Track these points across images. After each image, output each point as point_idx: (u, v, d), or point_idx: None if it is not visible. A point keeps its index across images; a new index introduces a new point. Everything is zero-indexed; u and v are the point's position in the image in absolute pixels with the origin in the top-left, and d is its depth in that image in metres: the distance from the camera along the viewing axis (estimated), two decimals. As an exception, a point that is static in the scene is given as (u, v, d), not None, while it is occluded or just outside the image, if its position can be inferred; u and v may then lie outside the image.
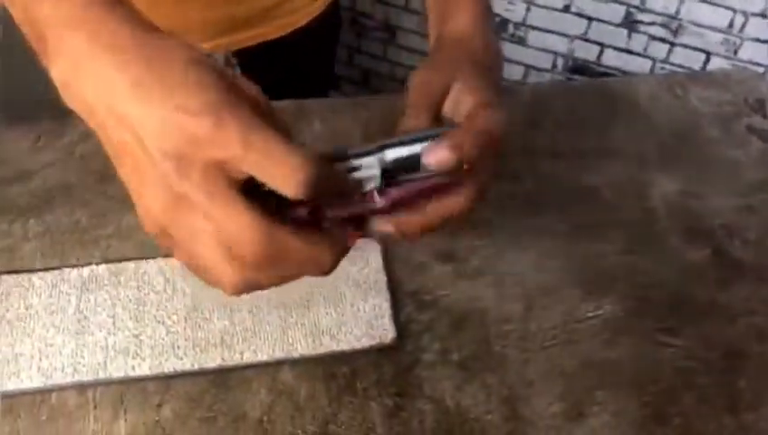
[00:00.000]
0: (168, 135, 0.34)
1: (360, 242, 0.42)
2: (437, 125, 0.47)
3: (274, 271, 0.38)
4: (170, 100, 0.34)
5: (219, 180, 0.34)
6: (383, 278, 0.59)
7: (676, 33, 1.42)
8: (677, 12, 1.37)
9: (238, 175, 0.35)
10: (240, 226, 0.35)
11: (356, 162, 0.41)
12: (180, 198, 0.35)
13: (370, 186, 0.41)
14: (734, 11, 1.36)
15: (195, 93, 0.34)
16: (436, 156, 0.40)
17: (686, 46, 1.43)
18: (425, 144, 0.41)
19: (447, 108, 0.47)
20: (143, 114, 0.35)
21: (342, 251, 0.40)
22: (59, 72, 0.38)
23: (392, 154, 0.41)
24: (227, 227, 0.35)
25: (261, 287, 0.39)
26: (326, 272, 0.39)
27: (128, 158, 0.36)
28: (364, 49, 1.69)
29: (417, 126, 0.46)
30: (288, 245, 0.36)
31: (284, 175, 0.34)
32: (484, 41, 0.53)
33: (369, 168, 0.41)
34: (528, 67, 1.58)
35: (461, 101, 0.46)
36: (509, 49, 1.56)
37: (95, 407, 0.52)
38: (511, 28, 1.52)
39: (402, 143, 0.41)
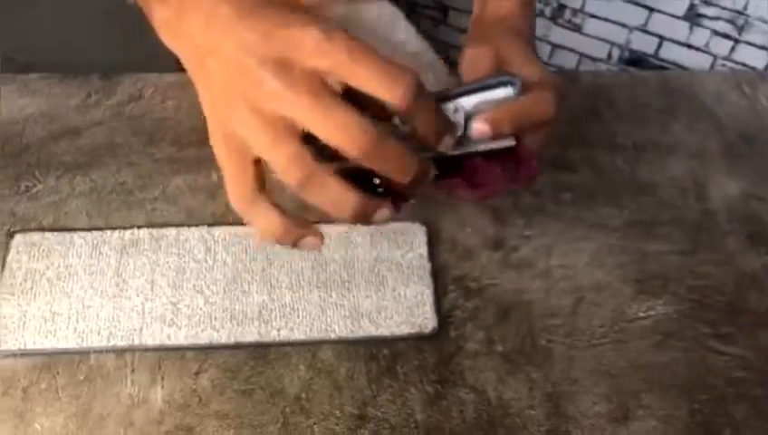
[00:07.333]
0: (272, 44, 0.36)
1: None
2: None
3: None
4: (275, 17, 0.36)
5: (322, 86, 0.36)
6: (427, 265, 0.58)
7: (741, 29, 1.36)
8: (745, 7, 1.32)
9: (336, 86, 0.36)
10: (350, 119, 0.36)
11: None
12: (273, 98, 0.36)
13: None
14: (808, 8, 1.31)
15: (299, 13, 0.37)
16: (479, 126, 0.43)
17: (750, 44, 1.38)
18: (491, 91, 0.44)
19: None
20: (245, 30, 0.36)
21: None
22: (163, 11, 0.40)
23: (466, 101, 0.44)
24: (335, 121, 0.36)
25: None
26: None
27: (216, 83, 0.38)
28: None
29: None
30: (390, 146, 0.37)
31: (389, 84, 0.35)
32: (527, 22, 0.54)
33: (452, 112, 0.43)
34: (582, 56, 1.54)
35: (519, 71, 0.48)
36: (564, 36, 1.52)
37: (133, 371, 0.52)
38: (568, 14, 1.48)
39: (472, 91, 0.44)
